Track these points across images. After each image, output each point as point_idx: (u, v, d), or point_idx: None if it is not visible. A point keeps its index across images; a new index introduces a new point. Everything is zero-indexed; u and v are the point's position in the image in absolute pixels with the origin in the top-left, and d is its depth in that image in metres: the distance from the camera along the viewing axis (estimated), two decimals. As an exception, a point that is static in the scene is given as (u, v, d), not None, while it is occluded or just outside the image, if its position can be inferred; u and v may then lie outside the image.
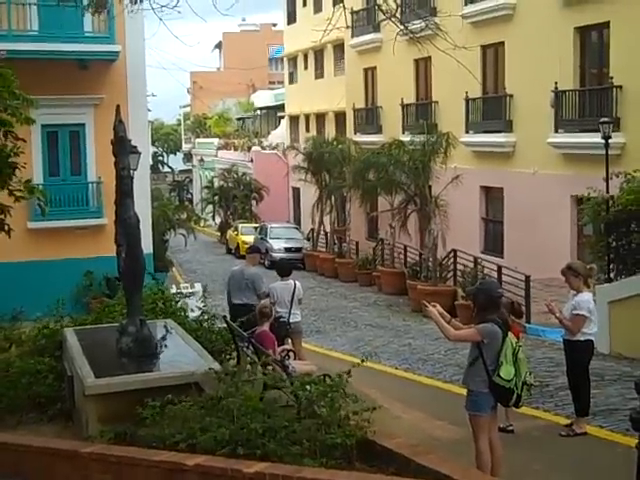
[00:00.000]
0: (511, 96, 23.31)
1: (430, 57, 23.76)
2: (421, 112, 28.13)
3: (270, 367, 8.94)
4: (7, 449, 8.11)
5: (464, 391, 11.65)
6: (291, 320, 11.89)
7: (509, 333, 7.13)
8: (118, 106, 9.95)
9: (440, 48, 13.07)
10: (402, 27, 14.06)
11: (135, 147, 16.53)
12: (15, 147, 12.50)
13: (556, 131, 21.28)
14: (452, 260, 22.85)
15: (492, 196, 25.15)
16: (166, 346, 9.52)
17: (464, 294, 20.01)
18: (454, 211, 23.25)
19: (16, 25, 20.52)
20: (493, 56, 24.68)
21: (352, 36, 32.94)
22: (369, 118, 33.11)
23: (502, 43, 23.88)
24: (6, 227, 13.01)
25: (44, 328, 10.84)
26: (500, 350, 6.96)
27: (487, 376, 7.03)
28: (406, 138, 25.37)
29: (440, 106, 27.26)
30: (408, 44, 23.74)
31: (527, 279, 17.95)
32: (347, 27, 18.96)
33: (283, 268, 12.90)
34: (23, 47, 19.61)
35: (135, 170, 14.30)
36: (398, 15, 14.00)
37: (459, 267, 22.15)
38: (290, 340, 11.87)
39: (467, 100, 25.00)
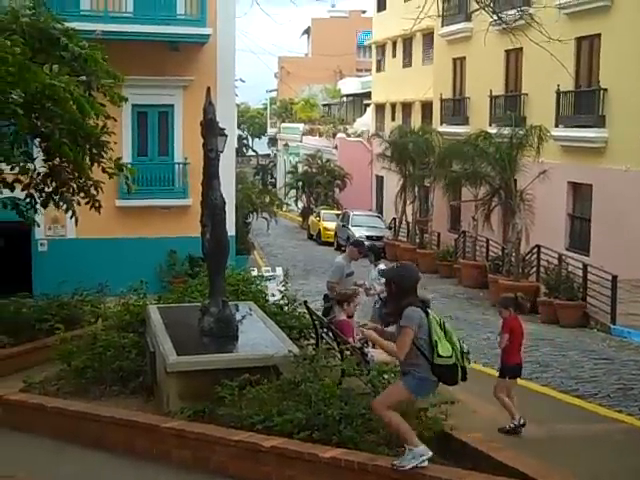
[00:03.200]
0: (605, 90, 22.67)
1: (521, 48, 23.26)
2: (510, 104, 27.61)
3: (349, 354, 8.95)
4: (90, 419, 8.32)
5: (543, 389, 11.57)
6: None
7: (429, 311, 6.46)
8: (209, 88, 10.03)
9: (534, 40, 12.76)
10: (495, 17, 13.81)
11: (223, 129, 16.71)
12: (106, 126, 12.81)
13: (651, 128, 20.62)
14: (535, 256, 22.42)
15: (580, 192, 24.54)
16: (246, 328, 9.60)
17: (546, 290, 19.66)
18: (539, 206, 22.78)
19: (112, 7, 20.94)
20: (588, 48, 24.01)
21: (442, 25, 32.56)
22: (456, 109, 32.70)
23: (598, 35, 23.22)
24: (97, 203, 13.39)
25: (129, 304, 11.07)
26: (429, 331, 6.36)
27: (427, 362, 6.35)
28: (493, 130, 24.96)
29: (529, 98, 26.72)
30: (499, 34, 23.37)
31: (614, 279, 17.45)
32: (438, 16, 18.81)
33: (378, 253, 13.29)
34: (118, 28, 20.03)
35: (222, 152, 14.42)
36: (491, 5, 13.75)
37: (542, 263, 21.72)
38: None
39: (558, 93, 24.42)
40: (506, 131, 23.27)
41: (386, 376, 7.92)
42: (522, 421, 8.66)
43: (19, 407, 9.02)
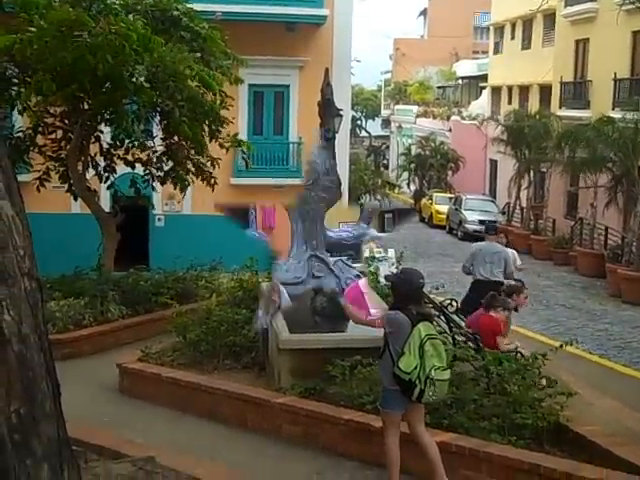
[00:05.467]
0: None
1: (651, 29, 22.29)
2: (636, 88, 26.51)
3: (462, 340, 8.85)
4: (204, 391, 8.51)
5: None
6: None
7: (425, 324, 6.27)
8: (327, 69, 10.03)
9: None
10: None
11: (340, 110, 16.67)
12: (224, 102, 13.03)
13: None
14: (658, 246, 21.53)
15: None
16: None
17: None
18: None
19: (231, -13, 21.19)
20: None
21: (565, 5, 31.52)
22: (577, 92, 31.62)
23: None
24: (212, 180, 13.69)
25: (242, 281, 11.23)
26: (405, 341, 6.21)
27: (392, 367, 6.28)
28: (616, 115, 24.04)
29: (657, 82, 25.61)
30: (626, 15, 22.49)
31: None
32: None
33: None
34: (236, 9, 20.26)
35: (337, 133, 14.41)
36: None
37: (666, 254, 20.84)
38: None
39: (688, 76, 23.33)
40: (631, 116, 22.39)
41: (501, 363, 7.77)
42: None
43: (137, 376, 9.33)
